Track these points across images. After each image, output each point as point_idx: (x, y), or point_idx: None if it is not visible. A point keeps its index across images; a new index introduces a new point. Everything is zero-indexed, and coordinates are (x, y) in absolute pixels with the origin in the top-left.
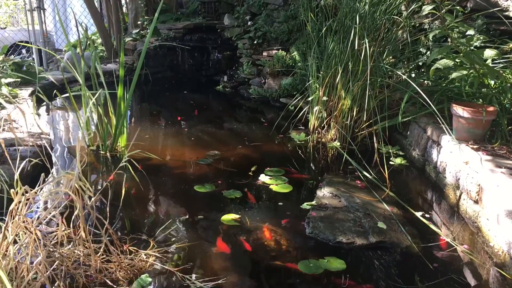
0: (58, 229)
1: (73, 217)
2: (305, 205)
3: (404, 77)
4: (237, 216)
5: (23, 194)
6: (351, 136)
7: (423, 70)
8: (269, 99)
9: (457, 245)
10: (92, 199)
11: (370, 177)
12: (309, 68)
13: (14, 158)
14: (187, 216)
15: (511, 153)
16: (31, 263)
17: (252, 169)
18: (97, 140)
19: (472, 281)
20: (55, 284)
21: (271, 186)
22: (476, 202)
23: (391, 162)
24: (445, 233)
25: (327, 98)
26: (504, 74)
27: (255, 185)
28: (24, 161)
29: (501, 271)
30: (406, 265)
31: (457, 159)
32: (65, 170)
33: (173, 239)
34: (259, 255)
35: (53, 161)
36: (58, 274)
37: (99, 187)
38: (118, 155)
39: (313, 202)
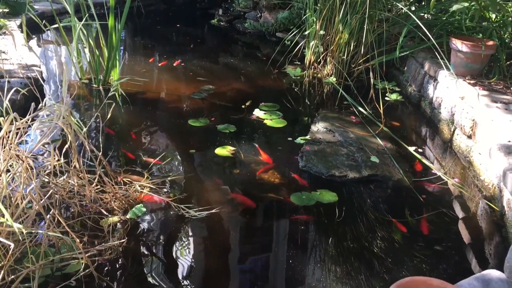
0: (50, 159)
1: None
2: (299, 140)
3: (404, 9)
4: (232, 149)
5: (11, 123)
6: (347, 72)
7: (423, 3)
8: (265, 33)
9: (448, 179)
10: (84, 129)
11: (365, 112)
12: (306, 0)
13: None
14: (181, 149)
15: (508, 88)
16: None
17: (247, 104)
18: (89, 74)
19: (460, 214)
20: (50, 212)
21: (265, 121)
22: (469, 137)
23: (386, 98)
24: (437, 167)
25: (324, 32)
26: (506, 7)
27: (250, 119)
28: (12, 90)
29: (490, 203)
30: (397, 197)
31: (453, 94)
32: (56, 101)
33: (168, 171)
34: (252, 187)
35: (45, 93)
36: (53, 203)
37: (92, 120)
38: (111, 88)
39: (307, 137)
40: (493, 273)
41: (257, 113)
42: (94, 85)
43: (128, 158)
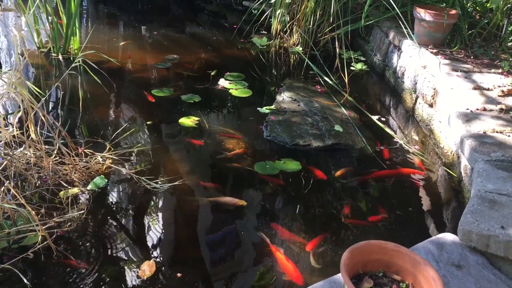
0: (1, 129)
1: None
2: (264, 109)
3: None
4: (196, 119)
5: None
6: (314, 41)
7: None
8: (231, 1)
9: (409, 147)
10: (42, 99)
11: (330, 82)
12: None
13: None
14: (144, 120)
15: (469, 57)
16: None
17: (212, 73)
18: (49, 42)
19: (421, 181)
20: (5, 184)
21: (230, 91)
22: (430, 105)
23: (352, 68)
24: (399, 136)
25: (290, 1)
26: None
27: (215, 89)
28: None
29: (448, 170)
30: (359, 165)
31: (416, 63)
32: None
33: (130, 142)
34: (216, 158)
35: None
36: (9, 175)
37: (51, 90)
38: (71, 57)
39: (272, 107)
40: (447, 236)
41: (223, 82)
42: (53, 54)
43: (90, 129)
